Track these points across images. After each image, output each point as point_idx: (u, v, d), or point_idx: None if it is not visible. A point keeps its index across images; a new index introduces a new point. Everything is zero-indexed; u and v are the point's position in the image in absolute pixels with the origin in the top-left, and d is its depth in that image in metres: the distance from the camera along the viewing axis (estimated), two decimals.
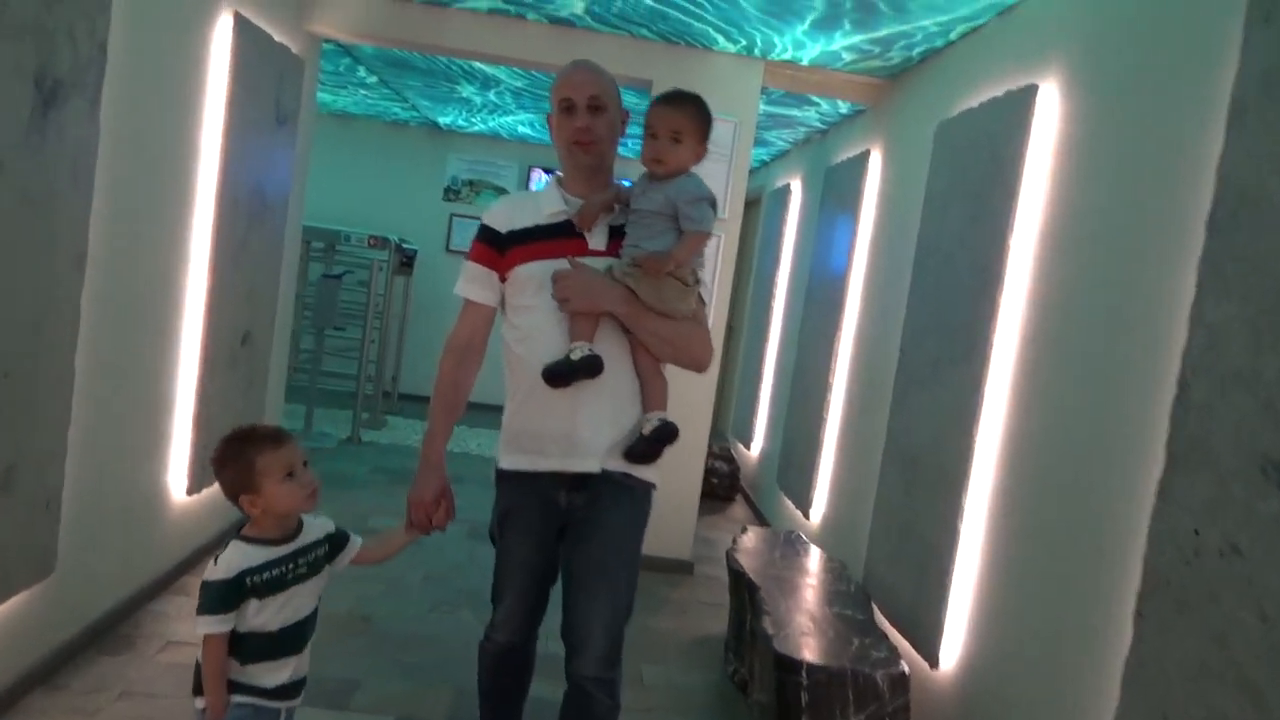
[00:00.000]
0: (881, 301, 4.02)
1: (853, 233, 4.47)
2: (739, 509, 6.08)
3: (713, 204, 2.02)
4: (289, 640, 1.82)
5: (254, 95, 3.61)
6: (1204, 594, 1.76)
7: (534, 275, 2.03)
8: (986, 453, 2.77)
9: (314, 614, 1.89)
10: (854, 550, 3.82)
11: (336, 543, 1.93)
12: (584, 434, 2.01)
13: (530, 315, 2.05)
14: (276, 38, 3.78)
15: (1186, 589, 1.81)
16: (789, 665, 2.59)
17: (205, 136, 3.30)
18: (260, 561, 1.77)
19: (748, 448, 6.42)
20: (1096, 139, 2.43)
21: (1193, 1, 2.11)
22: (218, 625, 1.73)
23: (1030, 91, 2.73)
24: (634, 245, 2.01)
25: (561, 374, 1.95)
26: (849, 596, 3.23)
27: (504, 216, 2.11)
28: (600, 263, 2.03)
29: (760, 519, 5.74)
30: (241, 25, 3.42)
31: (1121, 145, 2.30)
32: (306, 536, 1.86)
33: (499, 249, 2.09)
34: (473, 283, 2.13)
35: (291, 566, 1.81)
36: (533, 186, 8.30)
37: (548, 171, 8.30)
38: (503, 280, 2.10)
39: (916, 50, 3.70)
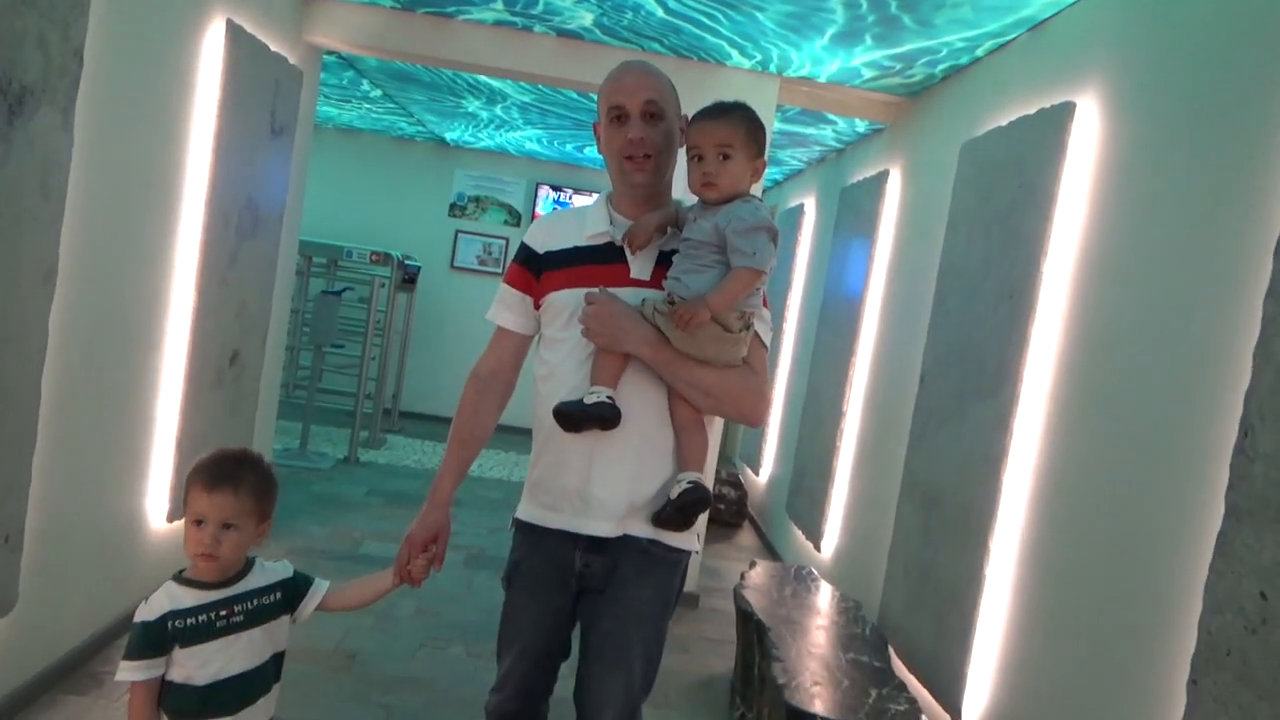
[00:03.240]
0: (899, 327, 3.84)
1: (869, 255, 4.30)
2: (746, 535, 5.88)
3: (772, 235, 1.72)
4: (219, 697, 1.61)
5: (247, 105, 3.47)
6: (1272, 667, 1.57)
7: (567, 304, 1.80)
8: (1015, 495, 2.58)
9: (259, 671, 1.67)
10: (868, 589, 3.63)
11: (295, 590, 1.73)
12: (598, 492, 1.78)
13: (558, 349, 1.83)
14: (273, 47, 3.64)
15: (1250, 660, 1.62)
16: (802, 719, 2.40)
17: (194, 148, 3.15)
18: (187, 605, 1.59)
19: (756, 473, 6.23)
20: (1143, 159, 2.25)
21: (1251, 12, 1.94)
22: (138, 672, 1.56)
23: (1066, 109, 2.56)
24: (675, 279, 1.75)
25: (572, 417, 1.74)
26: (864, 641, 3.03)
27: (543, 235, 1.89)
28: (636, 295, 1.77)
29: (768, 547, 5.55)
30: (234, 33, 3.27)
31: (1172, 166, 2.12)
32: (251, 582, 1.66)
33: (535, 271, 1.88)
34: (504, 307, 1.92)
35: (224, 614, 1.61)
36: (540, 204, 8.15)
37: (556, 189, 8.16)
38: (537, 308, 1.89)
39: (940, 67, 3.54)
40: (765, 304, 1.85)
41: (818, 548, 4.44)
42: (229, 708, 1.63)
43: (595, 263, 1.82)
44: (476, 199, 8.26)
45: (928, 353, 3.30)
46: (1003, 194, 2.88)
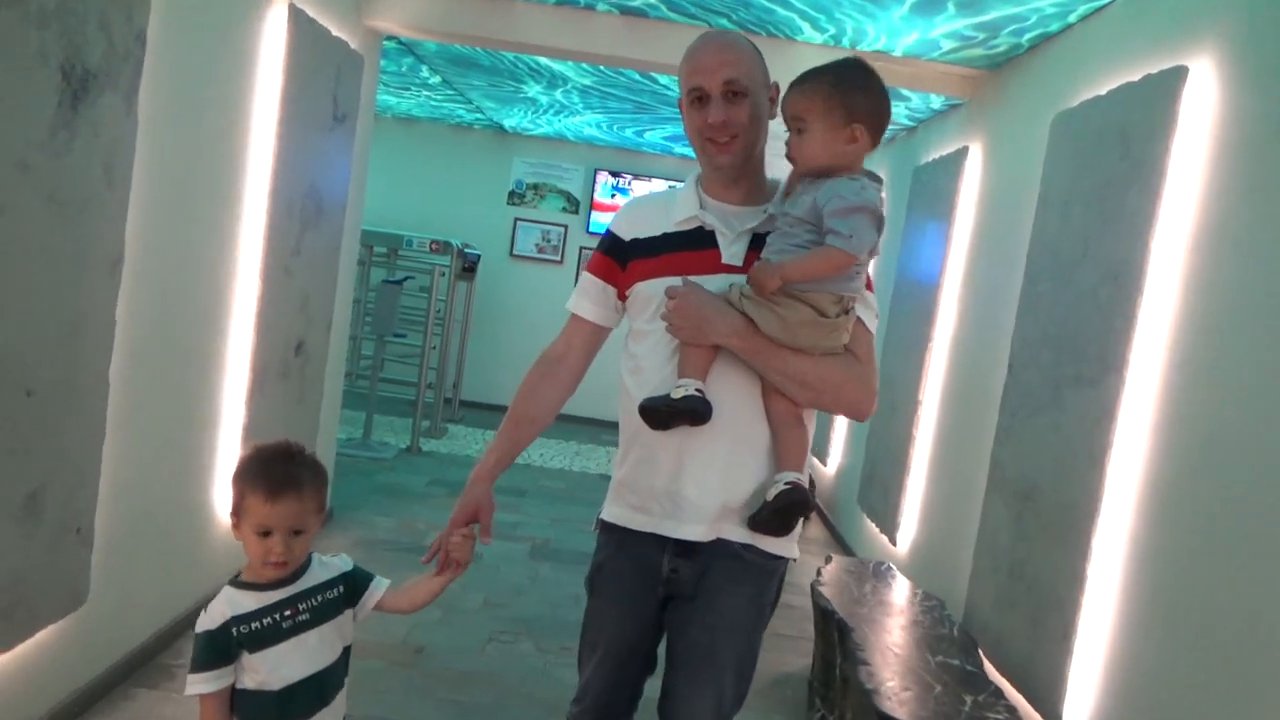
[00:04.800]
0: (982, 312, 3.66)
1: (946, 236, 4.11)
2: (814, 528, 5.73)
3: (876, 218, 1.58)
4: (296, 700, 1.54)
5: (309, 92, 3.41)
6: None
7: (654, 294, 1.68)
8: (1122, 490, 2.41)
9: (331, 670, 1.59)
10: (950, 586, 3.47)
11: (355, 584, 1.64)
12: (689, 492, 1.66)
13: (645, 341, 1.72)
14: (334, 32, 3.58)
15: None
16: None
17: (256, 135, 3.10)
18: (250, 609, 1.51)
19: (824, 463, 6.06)
20: (1267, 126, 2.06)
21: None
22: (208, 684, 1.48)
23: (1177, 74, 2.37)
24: (765, 260, 1.62)
25: (659, 414, 1.62)
26: (952, 642, 2.88)
27: (631, 222, 1.78)
28: (727, 282, 1.65)
29: (838, 539, 5.39)
30: (297, 18, 3.22)
31: None
32: (312, 578, 1.58)
33: (620, 260, 1.77)
34: (583, 295, 1.82)
35: (289, 614, 1.54)
36: (599, 191, 8.04)
37: (615, 175, 8.05)
38: (622, 299, 1.78)
39: (1027, 35, 3.33)
40: (870, 288, 1.70)
41: (893, 541, 4.28)
42: (306, 710, 1.56)
43: (684, 249, 1.70)
44: (535, 186, 8.19)
45: (1017, 338, 3.12)
46: (1103, 168, 2.69)
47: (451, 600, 3.72)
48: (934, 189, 4.40)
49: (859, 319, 1.66)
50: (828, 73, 1.62)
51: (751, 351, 1.61)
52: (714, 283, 1.66)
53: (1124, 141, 2.59)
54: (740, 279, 1.65)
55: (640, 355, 1.74)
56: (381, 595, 1.65)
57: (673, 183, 7.83)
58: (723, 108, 1.64)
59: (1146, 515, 2.32)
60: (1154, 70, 2.50)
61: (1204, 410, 2.15)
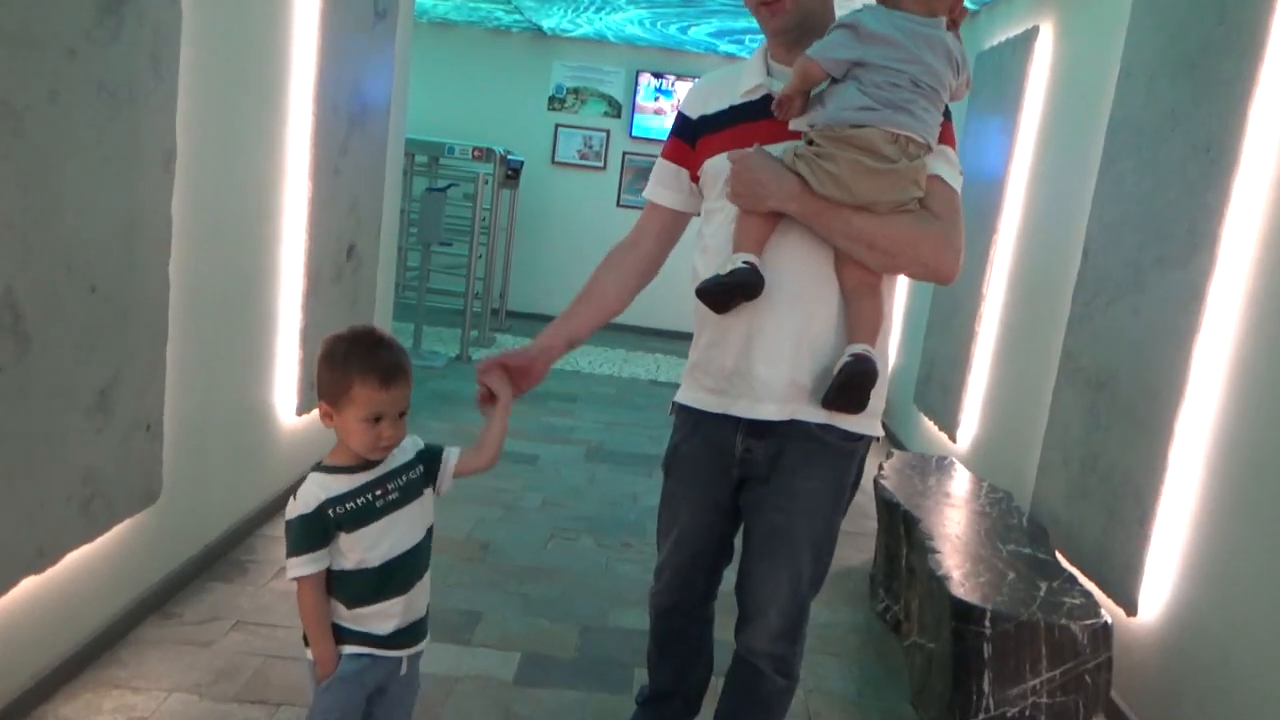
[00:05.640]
0: (1053, 199, 3.51)
1: (1014, 123, 3.92)
2: None
3: (847, 29, 1.51)
4: (395, 577, 1.57)
5: None
6: None
7: (722, 169, 1.61)
8: (1208, 375, 2.31)
9: (421, 546, 1.61)
10: (1016, 479, 3.41)
11: (431, 459, 1.64)
12: (759, 370, 1.61)
13: (714, 220, 1.67)
14: None
15: None
16: (969, 613, 2.24)
17: (299, 31, 3.00)
18: (342, 490, 1.52)
19: None
20: None
21: None
22: (307, 566, 1.50)
23: None
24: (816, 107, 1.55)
25: (713, 293, 1.57)
26: (1023, 532, 2.84)
27: (699, 99, 1.72)
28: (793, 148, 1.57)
29: (892, 439, 5.34)
30: None
31: None
32: (394, 460, 1.58)
33: (689, 140, 1.71)
34: (655, 181, 1.78)
35: (380, 493, 1.55)
36: (641, 94, 7.83)
37: (658, 76, 7.82)
38: (695, 180, 1.72)
39: None
40: (953, 144, 1.60)
41: (952, 438, 4.22)
42: (403, 586, 1.58)
43: (752, 119, 1.62)
44: (575, 90, 7.99)
45: (1094, 221, 2.98)
46: (1195, 34, 2.51)
47: (512, 500, 3.76)
48: (1001, 72, 4.19)
49: (938, 176, 1.56)
50: None
51: (811, 214, 1.53)
52: (781, 149, 1.58)
53: (1221, 5, 2.40)
54: (797, 143, 1.56)
55: (708, 235, 1.69)
56: (455, 461, 1.65)
57: None
58: None
59: (1233, 400, 2.22)
60: None
61: None
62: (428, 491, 1.63)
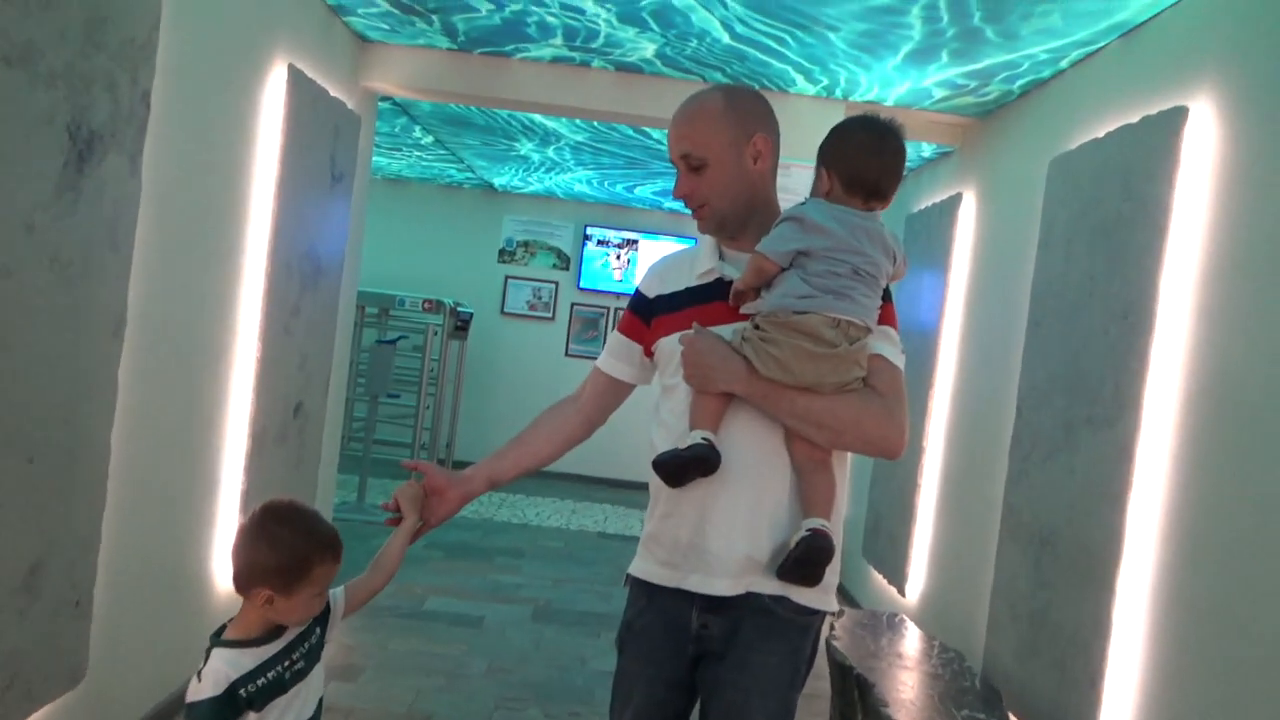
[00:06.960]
0: (984, 355, 3.65)
1: (943, 282, 4.13)
2: None
3: (796, 223, 1.58)
4: None
5: (308, 152, 3.41)
6: None
7: (675, 349, 1.66)
8: (1143, 530, 2.37)
9: (319, 705, 1.59)
10: (967, 636, 3.40)
11: (323, 612, 1.61)
12: (713, 545, 1.61)
13: (671, 397, 1.70)
14: (332, 92, 3.60)
15: None
16: None
17: (256, 195, 3.09)
18: (252, 666, 1.48)
19: None
20: (1270, 163, 2.08)
21: None
22: None
23: (1178, 114, 2.40)
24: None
25: (668, 466, 1.59)
26: (975, 695, 2.81)
27: (656, 279, 1.78)
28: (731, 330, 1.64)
29: (842, 592, 5.31)
30: (295, 78, 3.23)
31: None
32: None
33: (645, 318, 1.77)
34: (607, 352, 1.83)
35: (288, 664, 1.51)
36: (588, 247, 8.07)
37: (605, 229, 8.09)
38: (649, 355, 1.78)
39: (1019, 82, 3.39)
40: (894, 324, 1.67)
41: (901, 592, 4.21)
42: None
43: (704, 301, 1.69)
44: (525, 244, 8.22)
45: (1024, 380, 3.11)
46: (1106, 208, 2.70)
47: (455, 667, 3.62)
48: (929, 235, 4.43)
49: (882, 355, 1.62)
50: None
51: (759, 395, 1.58)
52: (730, 331, 1.64)
53: (1126, 182, 2.61)
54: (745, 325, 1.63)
55: (664, 410, 1.72)
56: (343, 602, 1.64)
57: (663, 237, 7.89)
58: (684, 181, 1.68)
59: (1171, 555, 2.28)
60: (1152, 111, 2.53)
61: (1224, 446, 2.13)
62: (325, 649, 1.60)
